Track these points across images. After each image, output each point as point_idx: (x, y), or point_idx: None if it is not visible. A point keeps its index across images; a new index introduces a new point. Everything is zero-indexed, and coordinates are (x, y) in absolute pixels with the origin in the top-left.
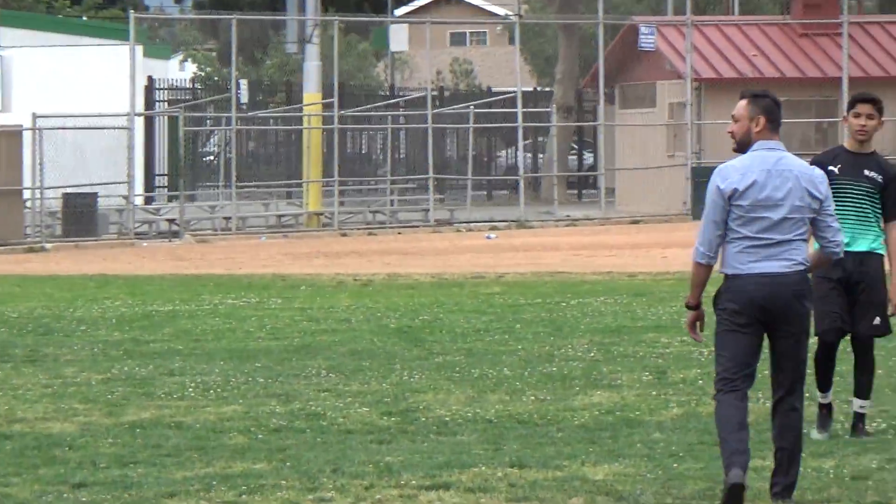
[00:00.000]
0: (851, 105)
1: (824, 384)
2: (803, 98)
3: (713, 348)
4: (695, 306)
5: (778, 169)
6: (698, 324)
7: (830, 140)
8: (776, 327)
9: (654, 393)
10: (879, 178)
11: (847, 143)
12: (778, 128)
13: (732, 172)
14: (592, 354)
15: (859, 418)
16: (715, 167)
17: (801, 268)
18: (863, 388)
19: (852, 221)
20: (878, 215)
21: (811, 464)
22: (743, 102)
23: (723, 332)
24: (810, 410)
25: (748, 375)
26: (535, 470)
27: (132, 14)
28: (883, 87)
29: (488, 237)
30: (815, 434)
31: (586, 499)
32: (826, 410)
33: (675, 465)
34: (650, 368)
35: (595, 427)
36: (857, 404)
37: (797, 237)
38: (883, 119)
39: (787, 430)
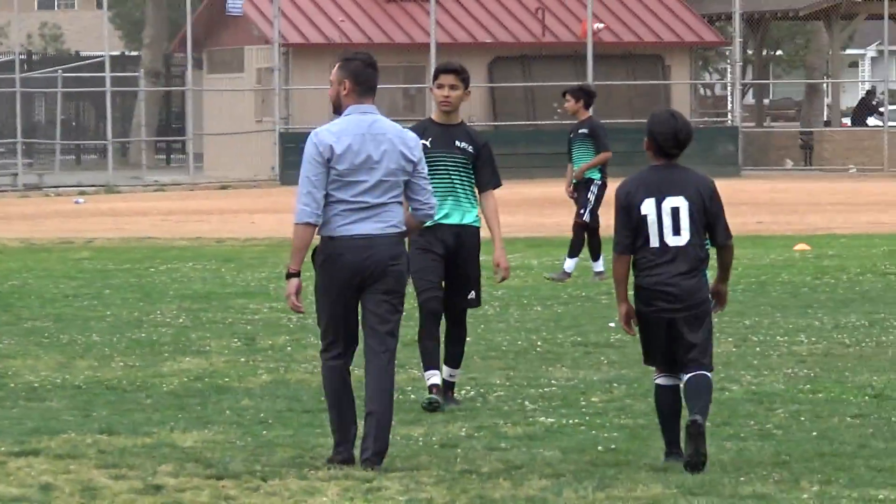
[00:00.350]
0: (435, 76)
1: (430, 359)
2: (391, 64)
3: (314, 314)
4: (296, 273)
5: (372, 132)
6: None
7: (418, 107)
8: (370, 289)
9: (242, 360)
10: (470, 149)
11: (434, 115)
12: (369, 91)
13: (328, 136)
14: (181, 320)
15: (449, 386)
16: (304, 133)
17: (398, 230)
18: (454, 357)
19: (448, 194)
20: (473, 187)
21: (400, 431)
22: (336, 68)
23: (322, 290)
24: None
25: (351, 334)
26: (125, 437)
27: None
28: (469, 54)
29: (77, 202)
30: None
31: (175, 465)
32: (436, 390)
33: (264, 431)
34: (239, 335)
35: (184, 393)
36: (448, 373)
37: (392, 199)
38: (469, 89)
39: (379, 393)
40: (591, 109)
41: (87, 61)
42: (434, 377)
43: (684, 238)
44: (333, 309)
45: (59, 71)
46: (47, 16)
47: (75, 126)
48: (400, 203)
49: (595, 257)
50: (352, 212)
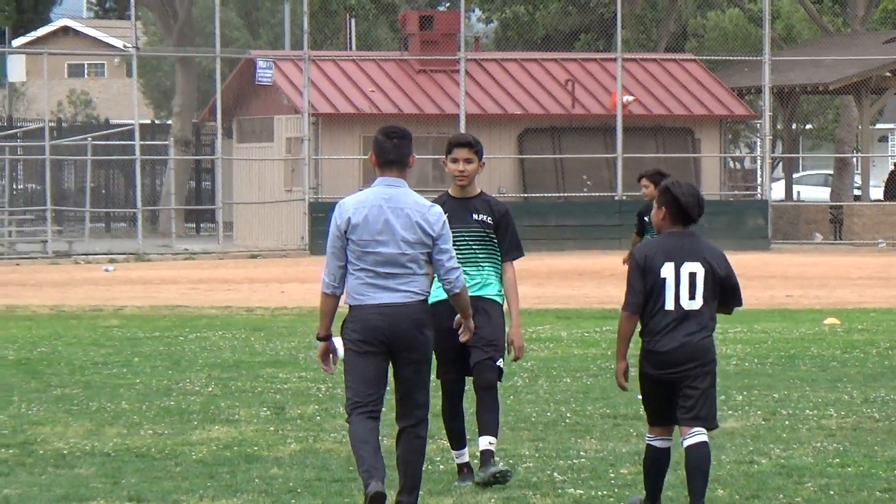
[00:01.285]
0: (448, 150)
1: (457, 438)
2: (420, 135)
3: (343, 379)
4: (324, 337)
5: (391, 205)
6: (331, 356)
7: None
8: (398, 354)
9: (272, 429)
10: (489, 220)
11: (451, 189)
12: (390, 164)
13: (348, 208)
14: (210, 389)
15: (488, 456)
16: (333, 203)
17: (420, 297)
18: (489, 425)
19: (469, 268)
20: (496, 259)
21: (429, 501)
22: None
23: (350, 359)
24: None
25: (377, 398)
26: None
27: None
28: (499, 126)
29: (106, 269)
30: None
31: None
32: (466, 470)
33: (293, 501)
34: (268, 404)
35: (213, 462)
36: (484, 442)
37: (414, 270)
38: (490, 160)
39: (411, 454)
40: None
41: (116, 129)
42: (461, 456)
43: (698, 303)
44: (357, 375)
45: (89, 138)
46: (77, 83)
47: (105, 193)
48: (424, 273)
49: None
50: (372, 280)
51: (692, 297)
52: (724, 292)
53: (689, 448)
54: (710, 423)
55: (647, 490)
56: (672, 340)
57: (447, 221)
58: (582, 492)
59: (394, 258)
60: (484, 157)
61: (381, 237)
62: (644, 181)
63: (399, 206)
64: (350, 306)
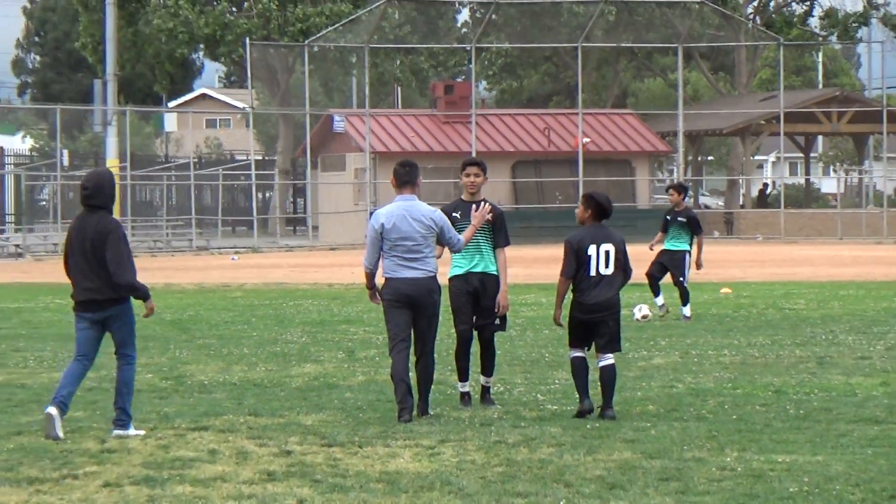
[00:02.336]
0: (463, 168)
1: (463, 374)
2: (444, 165)
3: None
4: (371, 286)
5: (408, 214)
6: (377, 295)
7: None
8: (417, 311)
9: (346, 366)
10: (489, 217)
11: (464, 195)
12: (404, 184)
13: (381, 216)
14: (304, 339)
15: (486, 390)
16: None
17: (431, 274)
18: (487, 368)
19: (475, 251)
20: (491, 246)
21: (452, 414)
22: None
23: (387, 311)
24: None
25: (406, 335)
26: (266, 418)
27: None
28: (498, 159)
29: (233, 258)
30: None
31: (300, 437)
32: (467, 398)
33: (360, 414)
34: (343, 349)
35: (306, 388)
36: (484, 380)
37: (427, 255)
38: (493, 180)
39: (425, 372)
40: (686, 200)
41: (238, 163)
42: (464, 387)
43: (611, 270)
44: (393, 322)
45: (220, 169)
46: (211, 132)
47: (231, 207)
48: (433, 256)
49: (656, 294)
50: (402, 262)
51: (607, 266)
52: (620, 261)
53: (603, 367)
54: (616, 348)
55: (580, 389)
56: (594, 296)
57: (447, 219)
58: (556, 407)
59: (414, 248)
60: (488, 178)
61: (404, 234)
62: (671, 191)
63: (414, 213)
64: (386, 279)
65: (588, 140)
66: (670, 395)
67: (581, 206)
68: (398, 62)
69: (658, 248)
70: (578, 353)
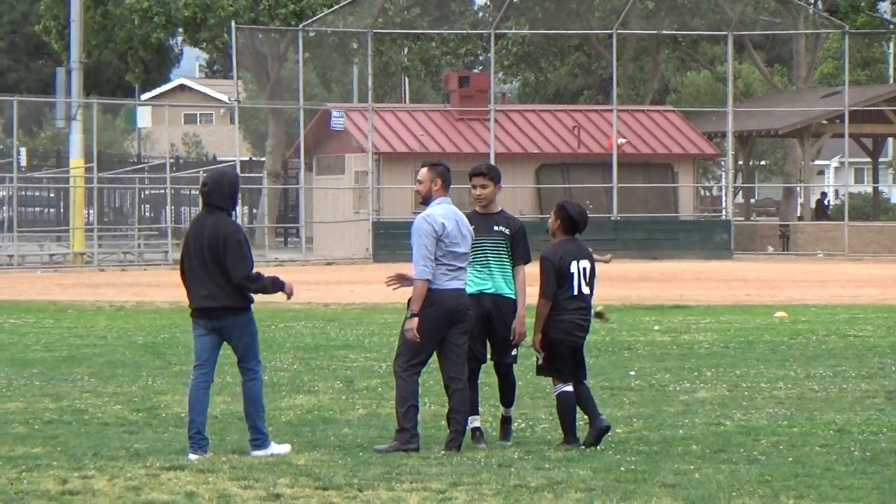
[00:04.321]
0: (469, 178)
1: (472, 407)
2: (459, 169)
3: (392, 362)
4: (418, 314)
5: (458, 217)
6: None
7: None
8: (455, 325)
9: (343, 397)
10: (507, 231)
11: (477, 207)
12: (448, 187)
13: (440, 218)
14: (296, 366)
15: (506, 421)
16: (391, 222)
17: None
18: (507, 399)
19: (489, 269)
20: (504, 264)
21: (467, 454)
22: (425, 169)
23: (423, 328)
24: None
25: (427, 361)
26: (252, 457)
27: None
28: (521, 162)
29: None
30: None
31: (291, 479)
32: (479, 434)
33: (360, 453)
34: (341, 378)
35: (298, 423)
36: (504, 410)
37: (467, 265)
38: (506, 185)
39: (459, 397)
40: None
41: (222, 164)
42: (475, 421)
43: (587, 289)
44: (429, 338)
45: (200, 171)
46: (191, 128)
47: None
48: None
49: None
50: (449, 271)
51: (587, 284)
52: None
53: (581, 389)
54: (586, 375)
55: (568, 428)
56: (578, 318)
57: (475, 232)
58: (585, 447)
59: (463, 256)
60: (508, 186)
61: (460, 237)
62: None
63: (461, 218)
64: (430, 288)
65: (624, 141)
66: (717, 433)
67: (552, 217)
68: (406, 50)
69: None
70: (569, 388)
